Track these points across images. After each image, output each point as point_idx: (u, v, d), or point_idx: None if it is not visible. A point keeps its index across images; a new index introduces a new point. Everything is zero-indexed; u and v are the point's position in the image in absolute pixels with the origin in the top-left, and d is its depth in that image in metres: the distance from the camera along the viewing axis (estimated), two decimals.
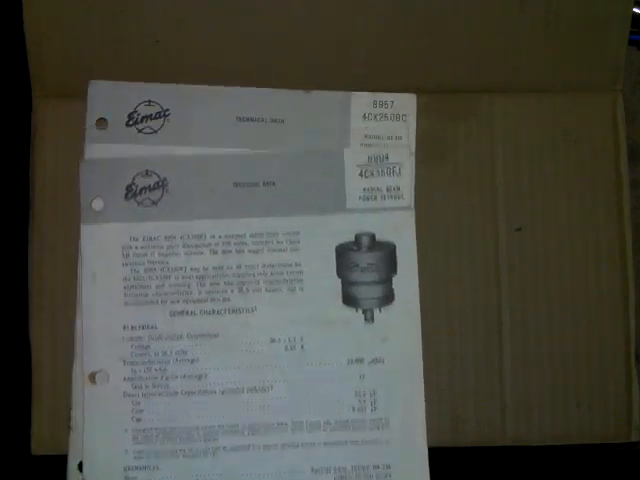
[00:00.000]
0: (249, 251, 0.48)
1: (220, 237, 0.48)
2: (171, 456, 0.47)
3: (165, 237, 0.48)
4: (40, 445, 0.48)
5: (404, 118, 0.50)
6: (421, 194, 0.49)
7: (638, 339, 0.49)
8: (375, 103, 0.50)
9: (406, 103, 0.50)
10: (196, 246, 0.48)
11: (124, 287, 0.48)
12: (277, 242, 0.48)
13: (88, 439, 0.47)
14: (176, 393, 0.47)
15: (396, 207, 0.49)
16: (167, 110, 0.49)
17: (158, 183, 0.48)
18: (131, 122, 0.49)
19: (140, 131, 0.49)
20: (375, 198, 0.49)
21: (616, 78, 0.51)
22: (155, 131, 0.49)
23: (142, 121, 0.49)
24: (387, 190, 0.49)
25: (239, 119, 0.49)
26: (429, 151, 0.50)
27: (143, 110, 0.49)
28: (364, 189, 0.49)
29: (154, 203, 0.48)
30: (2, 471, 0.54)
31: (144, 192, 0.48)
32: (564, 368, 0.49)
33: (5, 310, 0.54)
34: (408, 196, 0.49)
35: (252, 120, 0.49)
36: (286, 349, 0.48)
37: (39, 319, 0.48)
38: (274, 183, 0.49)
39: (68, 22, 0.48)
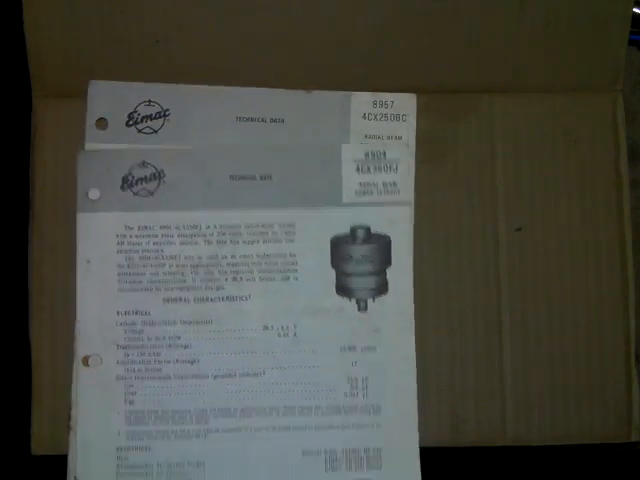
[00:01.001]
0: (244, 242, 0.49)
1: (215, 227, 0.49)
2: (163, 437, 0.47)
3: (160, 226, 0.48)
4: (40, 445, 0.48)
5: (404, 118, 0.50)
6: (421, 194, 0.49)
7: (638, 339, 0.49)
8: (375, 103, 0.50)
9: (406, 103, 0.50)
10: (191, 236, 0.48)
11: (118, 274, 0.48)
12: (272, 233, 0.49)
13: (82, 420, 0.47)
14: (169, 377, 0.48)
15: (392, 202, 0.49)
16: (167, 110, 0.49)
17: (155, 174, 0.48)
18: (131, 122, 0.49)
19: (140, 131, 0.49)
20: (371, 193, 0.49)
21: (616, 78, 0.51)
22: (155, 131, 0.49)
23: (142, 121, 0.49)
24: (383, 185, 0.49)
25: (239, 119, 0.49)
26: (429, 151, 0.50)
27: (143, 110, 0.49)
28: (360, 184, 0.49)
29: (150, 193, 0.48)
30: (2, 471, 0.54)
31: (140, 183, 0.48)
32: (564, 368, 0.49)
33: (5, 310, 0.54)
34: (404, 191, 0.49)
35: (252, 120, 0.49)
36: (279, 336, 0.48)
37: (39, 319, 0.48)
38: (271, 176, 0.49)
39: (68, 22, 0.48)
